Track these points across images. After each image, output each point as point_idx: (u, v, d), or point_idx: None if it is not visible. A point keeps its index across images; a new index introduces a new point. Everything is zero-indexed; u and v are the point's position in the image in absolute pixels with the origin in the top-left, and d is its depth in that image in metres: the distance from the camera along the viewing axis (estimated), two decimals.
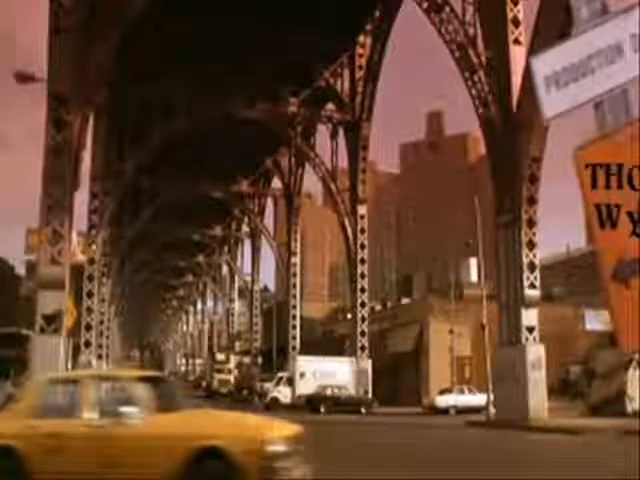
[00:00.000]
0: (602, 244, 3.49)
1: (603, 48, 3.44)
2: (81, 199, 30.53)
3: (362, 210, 43.82)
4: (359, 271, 43.22)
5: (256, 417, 10.19)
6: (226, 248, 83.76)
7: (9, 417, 8.70)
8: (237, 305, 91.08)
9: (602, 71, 3.45)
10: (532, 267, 26.45)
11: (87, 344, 39.25)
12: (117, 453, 7.69)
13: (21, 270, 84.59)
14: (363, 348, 42.22)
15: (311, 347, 51.86)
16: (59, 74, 21.12)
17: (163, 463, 7.48)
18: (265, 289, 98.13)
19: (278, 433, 7.94)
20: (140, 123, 43.45)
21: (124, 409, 7.87)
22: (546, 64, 3.54)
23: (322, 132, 48.58)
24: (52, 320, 20.36)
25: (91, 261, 41.07)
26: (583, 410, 27.96)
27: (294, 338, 52.96)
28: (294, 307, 54.05)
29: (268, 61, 40.79)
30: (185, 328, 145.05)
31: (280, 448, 7.61)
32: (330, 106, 45.89)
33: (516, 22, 27.13)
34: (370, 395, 39.92)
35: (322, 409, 35.51)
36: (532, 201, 26.44)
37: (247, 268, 76.65)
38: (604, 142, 3.44)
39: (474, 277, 52.82)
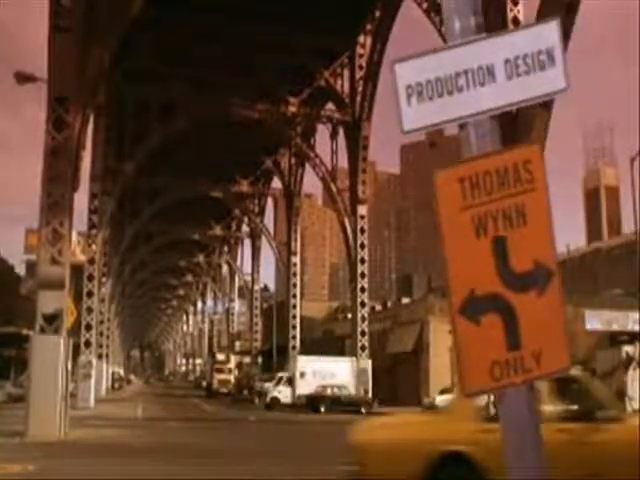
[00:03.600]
0: (455, 271, 3.08)
1: (474, 68, 3.23)
2: (81, 199, 30.51)
3: (362, 210, 43.82)
4: (359, 271, 43.22)
5: None
6: (226, 248, 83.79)
7: (448, 420, 7.70)
8: (237, 305, 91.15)
9: (470, 92, 3.23)
10: None
11: (87, 344, 39.26)
12: (603, 463, 6.51)
13: (21, 270, 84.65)
14: (363, 348, 42.21)
15: (311, 347, 51.88)
16: (59, 74, 21.11)
17: None
18: (265, 289, 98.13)
19: None
20: (140, 123, 43.45)
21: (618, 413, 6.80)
22: (410, 73, 3.27)
23: (322, 132, 48.62)
24: (52, 320, 20.32)
25: (91, 261, 41.07)
26: None
27: (294, 338, 52.92)
28: (294, 307, 54.01)
29: (268, 61, 40.79)
30: (185, 328, 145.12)
31: None
32: (330, 106, 45.89)
33: (516, 22, 27.12)
34: (370, 395, 39.91)
35: (322, 409, 35.53)
36: None
37: (247, 268, 76.77)
38: (465, 167, 3.14)
39: None
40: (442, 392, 36.05)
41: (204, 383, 70.47)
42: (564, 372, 3.05)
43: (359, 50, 43.02)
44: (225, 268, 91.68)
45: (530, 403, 3.04)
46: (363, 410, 36.04)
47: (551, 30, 3.26)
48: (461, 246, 3.06)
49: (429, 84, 3.25)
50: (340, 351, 48.53)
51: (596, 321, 47.35)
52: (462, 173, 3.11)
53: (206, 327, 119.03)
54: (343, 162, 45.47)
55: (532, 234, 3.04)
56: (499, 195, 3.07)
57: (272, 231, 65.25)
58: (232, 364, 65.55)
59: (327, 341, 57.93)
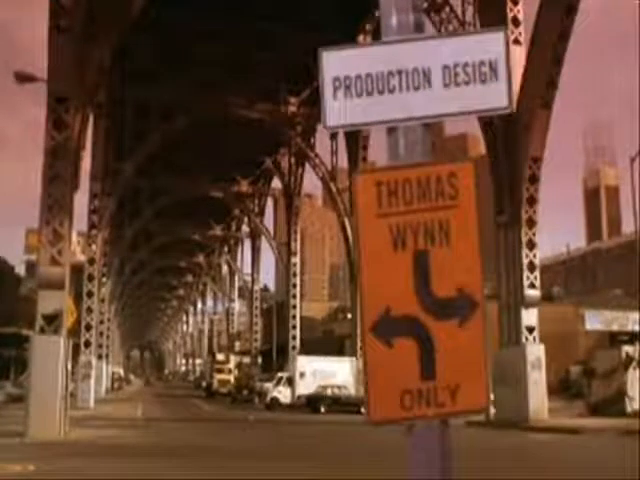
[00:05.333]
0: (370, 284, 2.82)
1: (409, 69, 2.94)
2: (81, 199, 30.51)
3: None
4: None
5: None
6: (226, 248, 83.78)
7: None
8: (237, 305, 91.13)
9: (403, 95, 2.94)
10: (532, 267, 26.45)
11: (87, 344, 39.25)
12: None
13: (21, 270, 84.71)
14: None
15: (311, 347, 51.84)
16: (59, 74, 21.09)
17: None
18: (265, 289, 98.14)
19: None
20: (140, 123, 43.46)
21: None
22: (339, 64, 2.98)
23: (322, 132, 48.62)
24: (52, 320, 20.33)
25: (91, 261, 41.06)
26: (583, 410, 27.97)
27: (294, 338, 52.91)
28: (294, 307, 54.00)
29: (268, 61, 40.78)
30: (185, 328, 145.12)
31: None
32: None
33: (516, 22, 27.13)
34: None
35: (322, 409, 35.51)
36: (532, 201, 26.45)
37: (247, 268, 76.74)
38: (384, 172, 2.87)
39: None
40: None
41: (204, 383, 70.46)
42: (480, 412, 2.81)
43: None
44: (225, 268, 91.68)
45: (442, 439, 2.75)
46: (363, 410, 35.98)
47: (497, 41, 3.00)
48: (378, 257, 2.80)
49: (358, 79, 2.95)
50: (340, 351, 48.53)
51: (596, 321, 47.35)
52: (380, 178, 2.84)
53: (206, 327, 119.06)
54: (343, 162, 45.49)
55: (457, 257, 2.77)
56: (418, 207, 2.80)
57: (272, 231, 65.26)
58: (232, 364, 65.55)
59: (327, 341, 57.93)
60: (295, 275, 55.28)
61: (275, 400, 40.30)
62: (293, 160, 54.79)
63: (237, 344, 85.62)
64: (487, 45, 2.97)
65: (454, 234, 2.78)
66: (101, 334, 46.74)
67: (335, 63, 2.98)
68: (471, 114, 3.01)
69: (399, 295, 2.76)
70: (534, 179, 26.33)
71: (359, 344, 42.15)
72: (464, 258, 2.77)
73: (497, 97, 2.95)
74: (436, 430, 2.74)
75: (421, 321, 2.74)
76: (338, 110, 2.98)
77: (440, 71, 2.94)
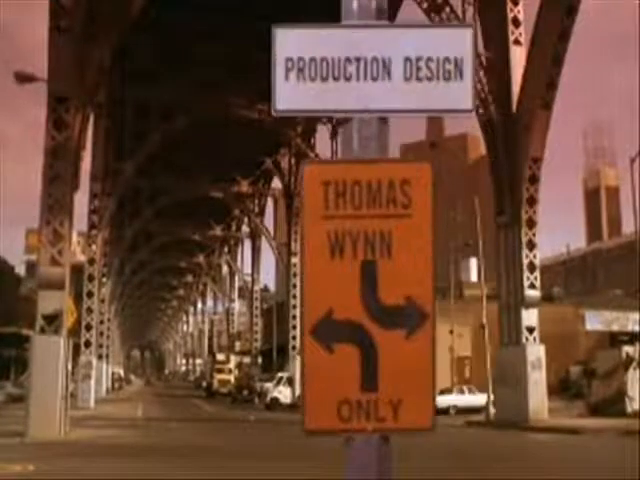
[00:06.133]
0: (313, 283, 2.58)
1: (367, 58, 2.70)
2: (81, 199, 30.51)
3: None
4: None
5: None
6: (226, 248, 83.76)
7: None
8: (237, 305, 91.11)
9: (360, 84, 2.70)
10: (532, 267, 26.45)
11: (87, 344, 39.26)
12: None
13: (21, 270, 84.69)
14: None
15: None
16: (59, 74, 21.10)
17: None
18: (265, 289, 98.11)
19: None
20: (140, 123, 43.46)
21: None
22: (293, 43, 2.75)
23: (322, 132, 48.63)
24: (52, 320, 20.34)
25: (91, 261, 41.07)
26: (583, 410, 27.97)
27: (294, 338, 52.82)
28: (294, 307, 53.95)
29: (268, 61, 40.66)
30: (185, 328, 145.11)
31: None
32: None
33: (516, 22, 27.14)
34: None
35: None
36: (532, 201, 26.45)
37: (247, 268, 76.70)
38: (334, 169, 2.66)
39: (474, 277, 52.87)
40: (442, 392, 36.06)
41: (204, 383, 70.48)
42: (423, 430, 2.58)
43: None
44: (225, 268, 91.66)
45: (381, 455, 2.55)
46: None
47: (463, 38, 2.75)
48: (323, 258, 2.58)
49: (313, 62, 2.72)
50: None
51: (596, 321, 47.34)
52: (329, 175, 2.62)
53: (206, 327, 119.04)
54: None
55: (408, 268, 2.58)
56: (368, 212, 2.59)
57: (272, 231, 65.25)
58: (232, 364, 65.57)
59: None
60: (295, 275, 55.22)
61: (275, 400, 40.30)
62: (293, 160, 54.77)
63: (237, 344, 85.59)
64: (453, 41, 2.74)
65: (406, 245, 2.58)
66: (101, 334, 46.75)
67: (289, 42, 2.76)
68: (432, 113, 2.81)
69: (343, 298, 2.54)
70: (534, 179, 26.33)
71: None
72: (416, 269, 2.57)
73: (461, 98, 2.74)
74: (375, 445, 2.54)
75: (365, 328, 2.54)
76: (289, 94, 2.73)
77: (401, 63, 2.71)
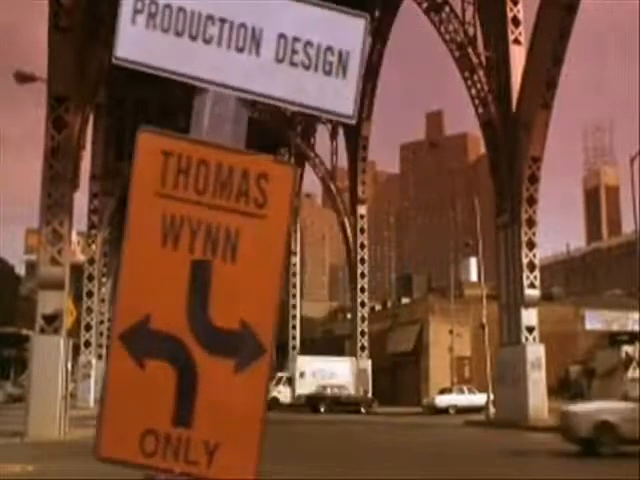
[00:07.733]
0: (131, 278, 2.04)
1: (235, 22, 2.19)
2: (81, 199, 30.53)
3: (362, 210, 43.86)
4: (359, 271, 43.24)
5: None
6: None
7: None
8: None
9: (220, 51, 2.19)
10: (532, 267, 26.45)
11: (87, 344, 39.30)
12: None
13: (21, 270, 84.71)
14: (363, 348, 42.23)
15: (311, 347, 51.87)
16: (59, 74, 21.11)
17: None
18: None
19: None
20: (139, 123, 43.14)
21: None
22: None
23: (322, 132, 48.65)
24: (52, 320, 20.35)
25: (91, 261, 41.10)
26: None
27: (294, 338, 52.99)
28: (294, 307, 54.07)
29: None
30: None
31: None
32: None
33: (516, 22, 27.15)
34: (370, 395, 39.94)
35: (322, 409, 35.53)
36: (532, 201, 26.46)
37: None
38: (180, 141, 2.18)
39: (474, 277, 52.85)
40: (442, 392, 36.09)
41: None
42: None
43: None
44: None
45: None
46: (363, 410, 36.07)
47: (355, 29, 2.21)
48: (153, 244, 2.05)
49: (167, 10, 2.17)
50: (340, 351, 48.52)
51: (596, 321, 47.34)
52: (172, 146, 2.18)
53: None
54: (343, 162, 45.52)
55: (250, 282, 2.07)
56: (213, 202, 2.08)
57: None
58: None
59: (327, 341, 57.92)
60: (295, 275, 55.34)
61: (275, 400, 40.30)
62: (293, 160, 54.82)
63: None
64: (342, 30, 2.21)
65: (253, 251, 2.08)
66: (101, 334, 46.76)
67: None
68: (302, 108, 2.25)
69: (166, 303, 2.03)
70: (534, 179, 26.33)
71: (359, 344, 42.18)
72: (259, 288, 2.10)
73: (340, 99, 2.24)
74: None
75: (187, 348, 2.02)
76: (133, 40, 2.19)
77: (275, 39, 2.19)
